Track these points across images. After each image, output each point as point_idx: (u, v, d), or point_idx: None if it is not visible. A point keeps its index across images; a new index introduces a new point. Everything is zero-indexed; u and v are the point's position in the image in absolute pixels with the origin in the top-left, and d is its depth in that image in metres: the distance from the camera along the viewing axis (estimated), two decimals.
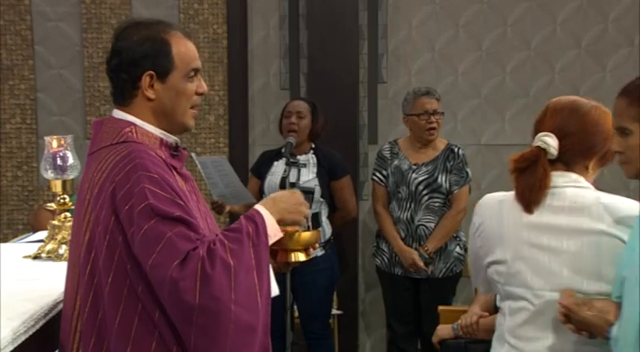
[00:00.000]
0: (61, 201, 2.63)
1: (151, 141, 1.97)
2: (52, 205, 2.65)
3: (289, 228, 2.15)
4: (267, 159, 4.29)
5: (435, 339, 3.29)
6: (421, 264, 4.10)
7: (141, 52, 1.95)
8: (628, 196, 2.14)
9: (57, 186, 2.62)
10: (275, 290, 1.95)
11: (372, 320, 5.03)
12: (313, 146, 4.24)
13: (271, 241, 1.96)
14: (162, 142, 2.00)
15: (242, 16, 4.85)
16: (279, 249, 2.11)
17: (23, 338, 1.86)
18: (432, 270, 4.16)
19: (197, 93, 2.03)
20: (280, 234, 2.01)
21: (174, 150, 2.03)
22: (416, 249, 4.14)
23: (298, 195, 2.09)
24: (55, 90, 4.88)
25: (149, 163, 1.87)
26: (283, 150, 4.15)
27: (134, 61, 1.95)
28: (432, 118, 4.16)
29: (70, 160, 2.61)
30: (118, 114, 2.01)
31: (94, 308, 1.88)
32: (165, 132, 2.01)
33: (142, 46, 1.95)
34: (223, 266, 1.82)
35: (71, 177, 2.63)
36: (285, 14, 4.88)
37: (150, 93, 1.97)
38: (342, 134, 4.65)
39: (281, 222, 2.02)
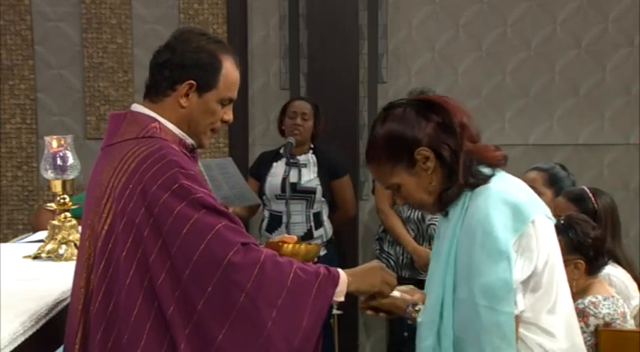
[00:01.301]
0: (61, 201, 2.62)
1: (171, 140, 1.97)
2: (52, 205, 2.65)
3: (287, 238, 2.14)
4: (266, 161, 4.28)
5: None
6: None
7: (194, 58, 1.97)
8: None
9: (57, 186, 2.61)
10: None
11: (372, 320, 5.02)
12: (312, 146, 4.24)
13: (335, 298, 1.97)
14: (180, 142, 2.00)
15: (242, 16, 4.85)
16: None
17: (24, 337, 1.86)
18: None
19: (222, 120, 2.05)
20: (342, 299, 2.00)
21: (190, 151, 2.03)
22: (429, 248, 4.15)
23: (383, 275, 2.08)
24: (55, 90, 4.88)
25: (181, 160, 1.89)
26: (281, 151, 4.15)
27: (183, 65, 1.96)
28: None
29: (70, 160, 2.61)
30: (140, 108, 2.01)
31: (105, 301, 1.87)
32: (184, 134, 2.02)
33: (197, 54, 1.97)
34: (281, 276, 1.85)
35: (71, 177, 2.63)
36: (285, 14, 4.88)
37: (183, 101, 1.98)
38: (342, 134, 4.64)
39: (357, 292, 2.05)
